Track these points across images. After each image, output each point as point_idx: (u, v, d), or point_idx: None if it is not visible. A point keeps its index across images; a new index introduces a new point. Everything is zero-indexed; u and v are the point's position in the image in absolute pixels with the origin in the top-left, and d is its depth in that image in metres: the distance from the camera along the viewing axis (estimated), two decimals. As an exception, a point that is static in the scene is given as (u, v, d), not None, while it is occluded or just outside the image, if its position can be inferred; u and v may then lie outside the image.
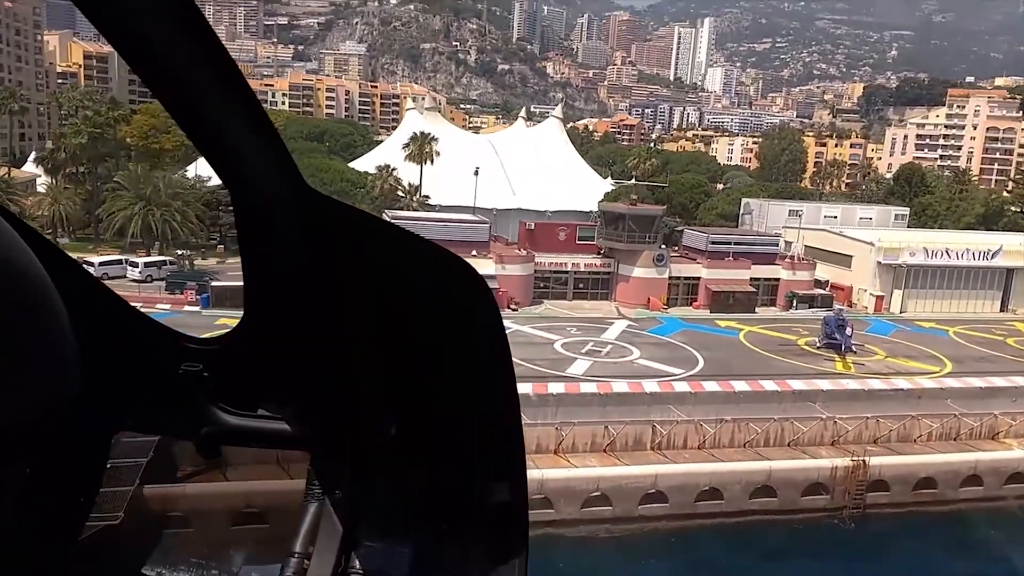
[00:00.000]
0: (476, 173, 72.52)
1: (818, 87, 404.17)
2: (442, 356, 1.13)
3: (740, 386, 44.30)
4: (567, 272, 61.96)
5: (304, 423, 1.21)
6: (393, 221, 1.07)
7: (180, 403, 1.19)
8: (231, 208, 0.97)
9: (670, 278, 61.61)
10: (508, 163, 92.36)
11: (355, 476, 1.20)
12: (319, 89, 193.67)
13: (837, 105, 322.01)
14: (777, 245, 65.19)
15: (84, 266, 1.10)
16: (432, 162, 73.10)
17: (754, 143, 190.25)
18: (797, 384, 45.19)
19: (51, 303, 0.85)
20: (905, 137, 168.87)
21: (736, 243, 63.94)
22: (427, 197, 72.81)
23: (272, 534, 1.41)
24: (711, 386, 43.87)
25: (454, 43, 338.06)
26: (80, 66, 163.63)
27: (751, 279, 62.64)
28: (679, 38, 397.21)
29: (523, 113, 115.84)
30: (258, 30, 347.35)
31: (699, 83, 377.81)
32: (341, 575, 1.18)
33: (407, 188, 71.15)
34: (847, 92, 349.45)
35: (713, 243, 63.29)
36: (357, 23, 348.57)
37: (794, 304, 62.82)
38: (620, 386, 42.69)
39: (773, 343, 54.02)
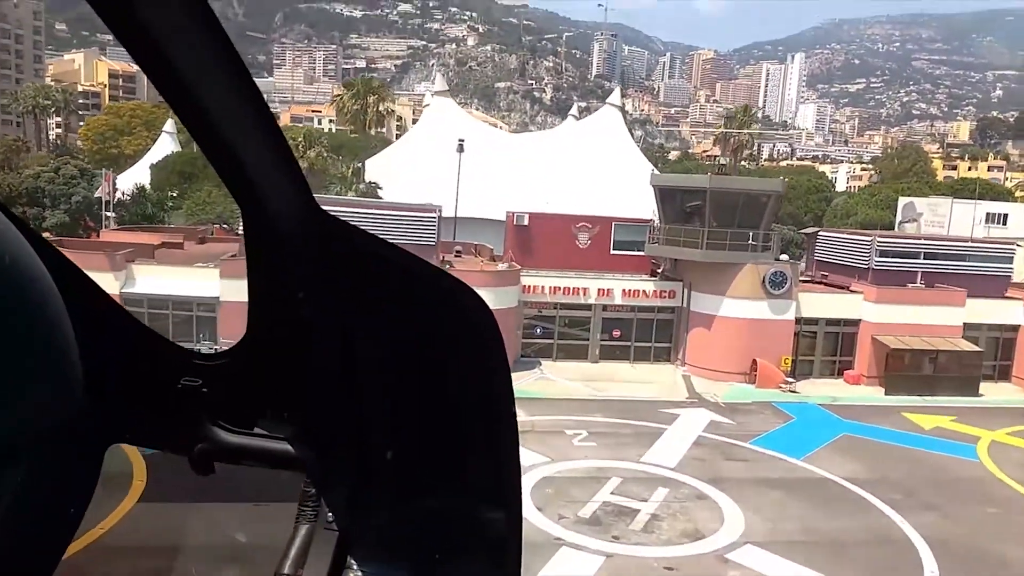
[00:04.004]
0: (460, 149, 42.54)
1: (919, 126, 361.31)
2: (442, 384, 1.09)
3: None
4: (589, 307, 30.42)
5: (300, 443, 1.15)
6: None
7: (177, 417, 1.14)
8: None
9: (798, 320, 29.21)
10: (544, 165, 61.86)
11: (348, 499, 1.17)
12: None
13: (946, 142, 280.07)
14: (1011, 260, 31.77)
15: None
16: (383, 126, 43.77)
17: (863, 169, 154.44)
18: None
19: (56, 312, 0.83)
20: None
21: (932, 255, 30.95)
22: (375, 184, 43.19)
23: (261, 555, 1.36)
24: None
25: (530, 81, 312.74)
26: (105, 85, 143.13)
27: (965, 327, 29.49)
28: (767, 75, 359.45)
29: (574, 111, 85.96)
30: (336, 73, 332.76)
31: (789, 120, 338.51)
32: None
33: (345, 172, 42.13)
34: (952, 130, 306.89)
35: (885, 254, 30.63)
36: (433, 64, 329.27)
37: (1057, 379, 29.35)
38: None
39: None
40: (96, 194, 38.44)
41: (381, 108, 44.30)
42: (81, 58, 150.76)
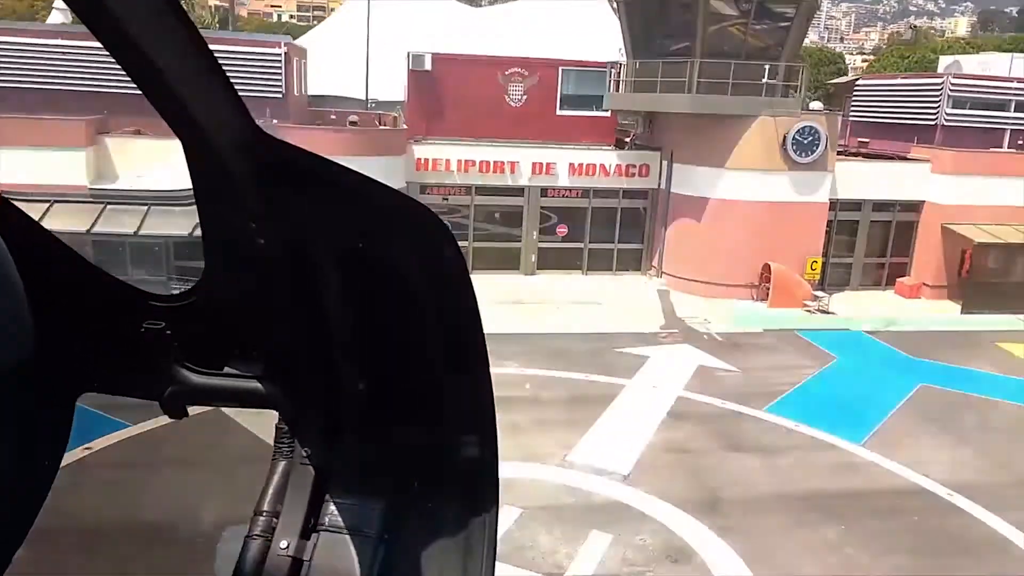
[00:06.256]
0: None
1: (917, 22, 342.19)
2: (408, 310, 1.07)
3: None
4: (521, 191, 20.15)
5: (271, 381, 1.15)
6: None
7: (143, 363, 1.12)
8: None
9: (832, 205, 18.99)
10: (507, 40, 50.12)
11: (324, 434, 1.15)
12: (333, 8, 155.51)
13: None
14: None
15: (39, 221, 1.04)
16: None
17: (864, 60, 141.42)
18: None
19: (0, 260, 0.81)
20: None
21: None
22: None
23: (240, 493, 1.36)
24: None
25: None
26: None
27: (1080, 209, 19.41)
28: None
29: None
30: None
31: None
32: (310, 532, 1.12)
33: (206, 18, 31.38)
34: (951, 26, 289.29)
35: (959, 104, 20.26)
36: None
37: None
38: None
39: None
40: None
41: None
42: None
